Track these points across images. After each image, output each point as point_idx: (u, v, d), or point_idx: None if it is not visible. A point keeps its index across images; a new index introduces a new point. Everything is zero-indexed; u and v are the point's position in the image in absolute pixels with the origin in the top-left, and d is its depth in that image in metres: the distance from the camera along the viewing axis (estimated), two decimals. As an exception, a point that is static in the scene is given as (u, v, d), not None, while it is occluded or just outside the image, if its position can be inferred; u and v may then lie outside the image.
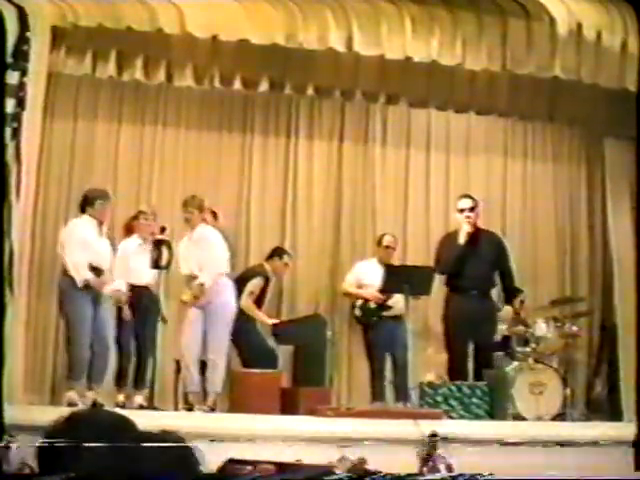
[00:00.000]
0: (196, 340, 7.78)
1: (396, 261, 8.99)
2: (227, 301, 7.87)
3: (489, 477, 2.94)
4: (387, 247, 8.89)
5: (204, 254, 7.80)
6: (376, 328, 8.64)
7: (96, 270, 7.52)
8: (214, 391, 7.75)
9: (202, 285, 7.74)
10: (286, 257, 8.90)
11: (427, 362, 9.10)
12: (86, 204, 7.68)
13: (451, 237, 8.50)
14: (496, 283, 8.54)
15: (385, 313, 8.61)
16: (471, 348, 8.39)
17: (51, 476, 2.39)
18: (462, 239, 8.30)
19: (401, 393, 8.51)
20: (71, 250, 7.54)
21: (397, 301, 8.63)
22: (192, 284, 7.84)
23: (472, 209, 8.43)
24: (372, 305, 8.65)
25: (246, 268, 8.93)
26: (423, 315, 9.46)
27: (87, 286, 7.43)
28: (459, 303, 8.28)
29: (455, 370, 8.24)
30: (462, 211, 8.40)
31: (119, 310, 7.88)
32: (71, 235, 7.62)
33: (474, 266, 8.21)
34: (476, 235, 8.37)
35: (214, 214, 8.40)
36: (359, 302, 8.75)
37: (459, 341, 8.26)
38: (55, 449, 2.44)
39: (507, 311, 8.58)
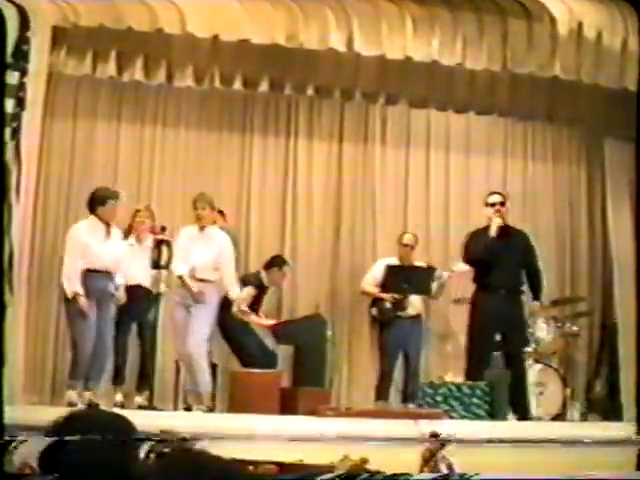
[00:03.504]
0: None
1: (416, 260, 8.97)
2: (211, 304, 7.81)
3: (478, 477, 2.95)
4: (405, 245, 8.87)
5: (218, 260, 7.74)
6: (391, 327, 8.62)
7: (98, 273, 7.49)
8: (205, 391, 7.73)
9: (233, 294, 7.83)
10: (286, 268, 8.84)
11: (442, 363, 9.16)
12: (97, 204, 7.51)
13: (481, 231, 8.33)
14: (524, 282, 8.28)
15: (401, 313, 8.60)
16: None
17: (44, 476, 2.39)
18: (493, 232, 8.11)
19: (410, 394, 8.50)
20: (70, 256, 7.48)
21: (414, 301, 8.63)
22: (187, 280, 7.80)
23: (502, 204, 8.31)
24: (387, 304, 8.64)
25: (243, 274, 8.89)
26: (443, 316, 9.52)
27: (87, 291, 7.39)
28: (488, 302, 8.04)
29: (474, 371, 8.08)
30: (493, 205, 8.25)
31: (117, 311, 7.85)
32: (72, 241, 7.54)
33: (503, 263, 8.00)
34: (506, 231, 8.26)
35: (222, 213, 8.39)
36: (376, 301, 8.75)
37: (484, 342, 8.03)
38: (54, 449, 2.44)
39: (535, 307, 8.46)
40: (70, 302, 7.44)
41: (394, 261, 8.86)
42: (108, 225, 7.57)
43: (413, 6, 8.02)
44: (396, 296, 8.57)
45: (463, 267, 8.79)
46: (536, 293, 8.34)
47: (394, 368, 8.68)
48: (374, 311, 8.77)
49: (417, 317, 8.74)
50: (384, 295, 8.67)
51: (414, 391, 8.45)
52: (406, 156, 10.03)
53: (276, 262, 8.80)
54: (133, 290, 7.90)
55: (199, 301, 7.65)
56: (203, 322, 7.68)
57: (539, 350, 8.72)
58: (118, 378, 7.97)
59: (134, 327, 8.08)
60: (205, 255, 7.75)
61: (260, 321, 8.55)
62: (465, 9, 8.11)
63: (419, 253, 9.33)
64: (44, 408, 7.42)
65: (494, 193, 8.50)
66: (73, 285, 7.34)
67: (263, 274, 8.69)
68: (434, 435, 5.87)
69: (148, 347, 7.88)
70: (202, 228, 7.82)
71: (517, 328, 8.17)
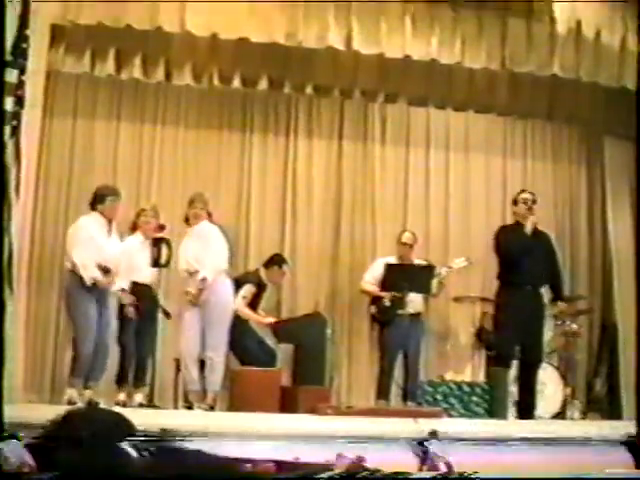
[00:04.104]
0: (194, 339, 7.75)
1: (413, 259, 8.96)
2: (225, 299, 7.82)
3: (478, 476, 2.96)
4: (405, 244, 8.86)
5: (204, 249, 7.75)
6: (391, 326, 8.61)
7: (103, 269, 7.48)
8: (213, 390, 7.73)
9: (204, 280, 7.65)
10: (285, 266, 8.85)
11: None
12: (97, 201, 7.57)
13: (513, 228, 8.11)
14: (546, 282, 8.17)
15: (400, 311, 8.58)
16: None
17: (41, 474, 2.40)
18: (529, 229, 7.97)
19: (410, 392, 8.50)
20: (78, 249, 7.49)
21: (415, 299, 8.63)
22: (190, 279, 7.80)
23: (534, 202, 8.22)
24: (387, 303, 8.63)
25: (243, 273, 8.89)
26: (443, 314, 9.52)
27: (94, 284, 7.38)
28: (515, 298, 7.90)
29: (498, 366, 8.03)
30: (525, 203, 8.18)
31: (121, 309, 7.84)
32: (79, 233, 7.54)
33: (534, 261, 7.96)
34: (535, 230, 8.19)
35: (208, 214, 8.40)
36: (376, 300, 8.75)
37: (509, 339, 7.95)
38: (51, 447, 2.45)
39: (564, 306, 8.44)
40: (71, 297, 7.45)
41: (393, 260, 8.85)
42: (110, 222, 7.60)
43: (412, 5, 8.02)
44: (396, 294, 8.57)
45: (462, 263, 8.79)
46: (558, 293, 8.29)
47: (394, 366, 8.67)
48: (373, 310, 8.76)
49: (417, 316, 8.73)
50: (383, 294, 8.67)
51: (414, 390, 8.44)
52: (406, 154, 10.03)
53: (276, 260, 8.82)
54: (141, 288, 7.92)
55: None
56: (221, 319, 7.70)
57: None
58: (123, 378, 7.93)
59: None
60: (200, 252, 7.75)
61: (260, 319, 8.56)
62: (464, 8, 8.12)
63: (419, 252, 9.34)
64: (44, 406, 7.42)
65: (525, 191, 8.38)
66: (92, 271, 7.36)
67: (263, 272, 8.70)
68: (433, 433, 5.88)
69: (148, 344, 7.87)
70: (191, 227, 7.85)
71: (538, 328, 8.08)
